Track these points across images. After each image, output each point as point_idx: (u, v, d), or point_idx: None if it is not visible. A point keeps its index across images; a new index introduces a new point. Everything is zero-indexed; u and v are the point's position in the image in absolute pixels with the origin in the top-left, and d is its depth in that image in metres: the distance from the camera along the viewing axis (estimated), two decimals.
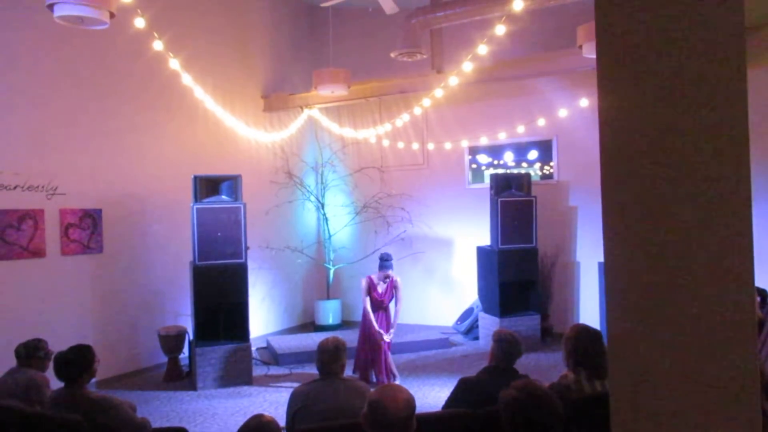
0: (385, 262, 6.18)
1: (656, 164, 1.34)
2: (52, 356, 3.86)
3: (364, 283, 6.23)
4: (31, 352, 4.20)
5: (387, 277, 6.17)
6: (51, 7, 4.35)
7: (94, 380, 4.32)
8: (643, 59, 1.34)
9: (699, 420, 1.33)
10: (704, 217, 1.30)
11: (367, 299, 6.18)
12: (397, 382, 6.12)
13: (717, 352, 1.30)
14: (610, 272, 1.41)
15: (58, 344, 4.10)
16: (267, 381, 6.72)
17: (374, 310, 6.20)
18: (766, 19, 5.72)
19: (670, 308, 1.33)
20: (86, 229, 6.53)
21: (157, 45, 5.68)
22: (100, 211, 6.66)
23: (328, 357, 3.48)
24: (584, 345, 3.27)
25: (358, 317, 7.67)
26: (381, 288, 6.19)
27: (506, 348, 3.59)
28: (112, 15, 4.53)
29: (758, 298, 5.59)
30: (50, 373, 3.81)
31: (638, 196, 1.36)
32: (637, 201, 1.36)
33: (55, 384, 3.72)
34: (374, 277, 6.22)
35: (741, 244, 1.28)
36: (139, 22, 5.26)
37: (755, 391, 1.28)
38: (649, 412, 1.38)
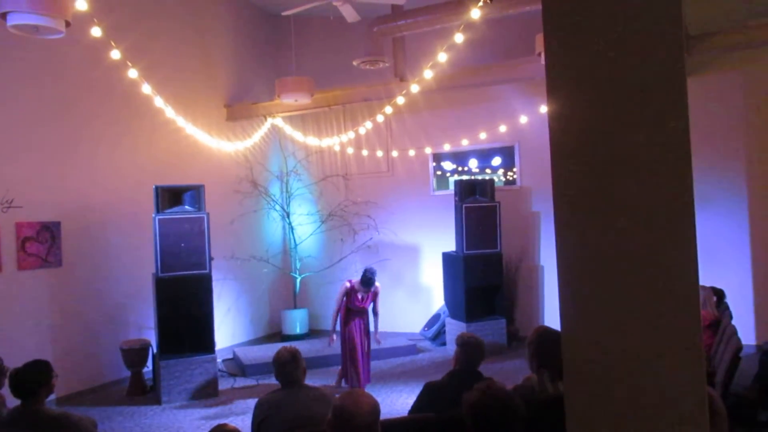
0: (370, 279, 6.00)
1: (605, 164, 1.38)
2: (8, 372, 3.75)
3: (342, 288, 6.13)
4: None
5: (369, 290, 6.11)
6: (4, 15, 4.26)
7: (53, 396, 4.20)
8: (590, 67, 1.39)
9: (651, 414, 1.37)
10: (650, 215, 1.34)
11: (344, 302, 6.14)
12: (366, 388, 6.11)
13: (664, 347, 1.34)
14: (561, 269, 1.44)
15: (17, 361, 3.97)
16: (233, 393, 6.64)
17: (352, 318, 6.16)
18: (706, 29, 5.92)
19: (619, 306, 1.37)
20: (44, 242, 6.38)
21: (115, 54, 5.60)
22: (58, 223, 6.51)
23: (290, 367, 3.46)
24: (547, 347, 3.32)
25: (326, 326, 7.64)
26: (361, 295, 6.13)
27: (469, 351, 3.63)
28: (67, 24, 4.46)
29: (714, 298, 5.75)
30: (6, 391, 3.71)
31: (587, 196, 1.39)
32: (585, 202, 1.40)
33: (12, 402, 3.62)
34: (356, 285, 6.10)
35: (685, 240, 1.32)
36: (96, 31, 5.18)
37: (701, 386, 1.33)
38: (603, 411, 1.41)
